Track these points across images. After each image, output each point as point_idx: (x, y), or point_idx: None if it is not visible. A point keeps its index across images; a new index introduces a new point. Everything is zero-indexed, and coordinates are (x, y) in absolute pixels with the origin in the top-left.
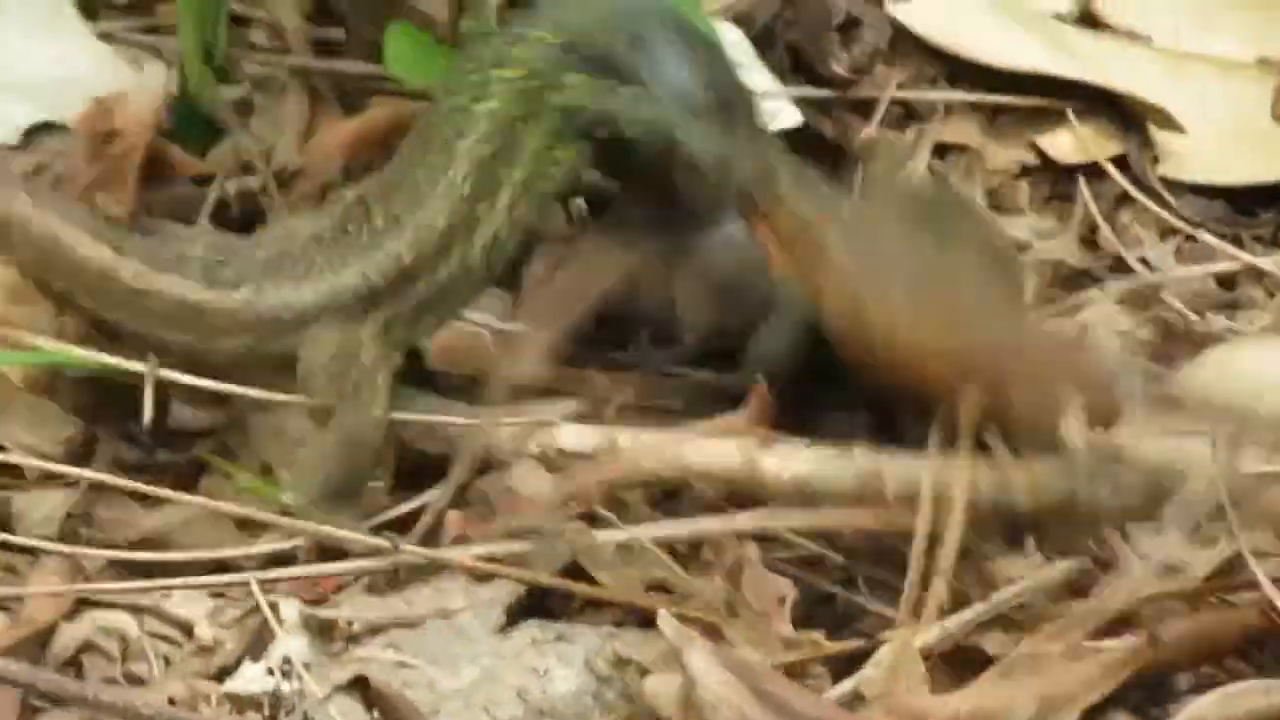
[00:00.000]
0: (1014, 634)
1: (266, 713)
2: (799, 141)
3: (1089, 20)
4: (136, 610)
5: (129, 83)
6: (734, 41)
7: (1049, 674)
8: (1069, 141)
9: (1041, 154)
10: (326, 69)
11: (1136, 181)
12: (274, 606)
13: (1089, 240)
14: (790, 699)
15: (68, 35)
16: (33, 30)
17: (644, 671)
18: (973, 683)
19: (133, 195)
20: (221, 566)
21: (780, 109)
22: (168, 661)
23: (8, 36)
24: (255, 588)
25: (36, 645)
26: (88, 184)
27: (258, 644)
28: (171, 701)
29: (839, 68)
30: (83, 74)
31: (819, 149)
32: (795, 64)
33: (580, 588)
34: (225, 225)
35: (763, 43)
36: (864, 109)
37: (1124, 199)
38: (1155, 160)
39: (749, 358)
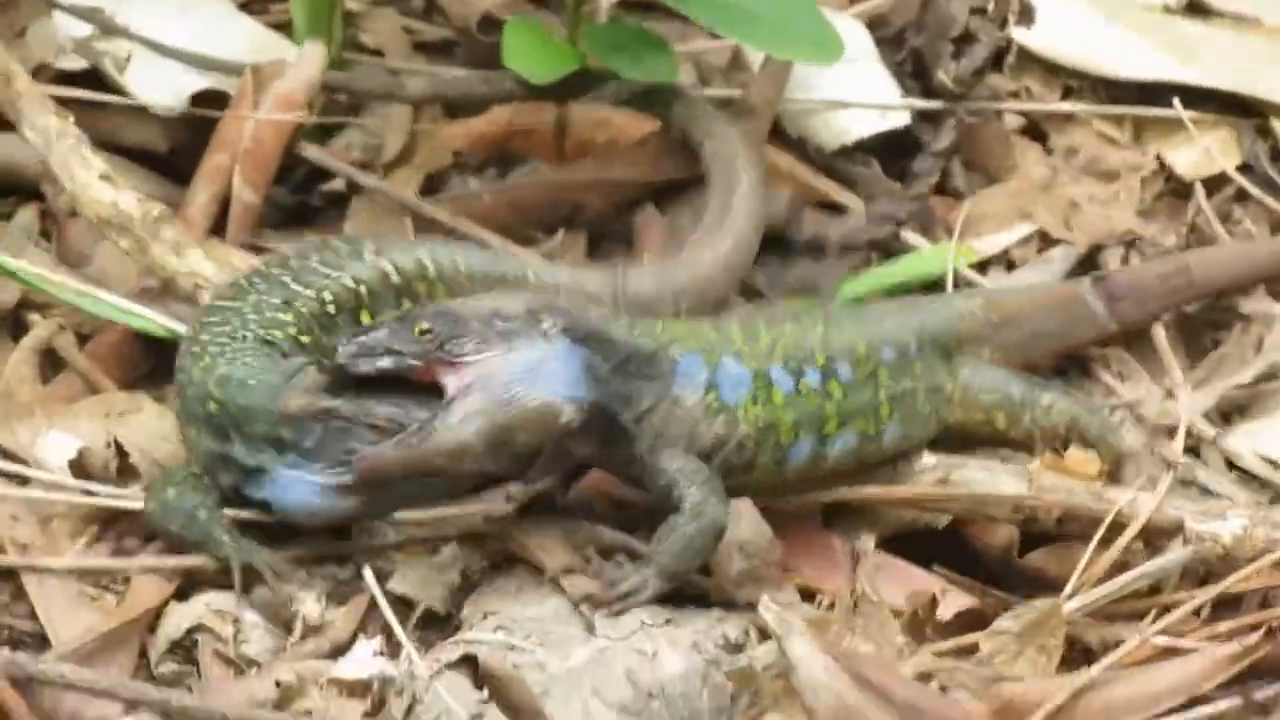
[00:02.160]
0: (1128, 622)
1: (375, 694)
2: (900, 144)
3: (1198, 9)
4: (246, 591)
5: (288, 58)
6: (858, 40)
7: (1164, 662)
8: (1190, 151)
9: (1160, 160)
10: (431, 72)
11: (1254, 176)
12: (385, 589)
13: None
14: (891, 686)
15: (220, 9)
16: (189, 4)
17: (749, 656)
18: (1083, 669)
19: (269, 180)
20: (332, 550)
21: (889, 112)
22: (278, 644)
23: (168, 10)
24: (367, 570)
25: (144, 627)
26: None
27: (367, 626)
28: (278, 684)
29: (946, 78)
30: (244, 47)
31: (916, 151)
32: (917, 70)
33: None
34: (328, 224)
35: (892, 45)
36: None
37: (1241, 195)
38: (1275, 154)
39: (652, 550)
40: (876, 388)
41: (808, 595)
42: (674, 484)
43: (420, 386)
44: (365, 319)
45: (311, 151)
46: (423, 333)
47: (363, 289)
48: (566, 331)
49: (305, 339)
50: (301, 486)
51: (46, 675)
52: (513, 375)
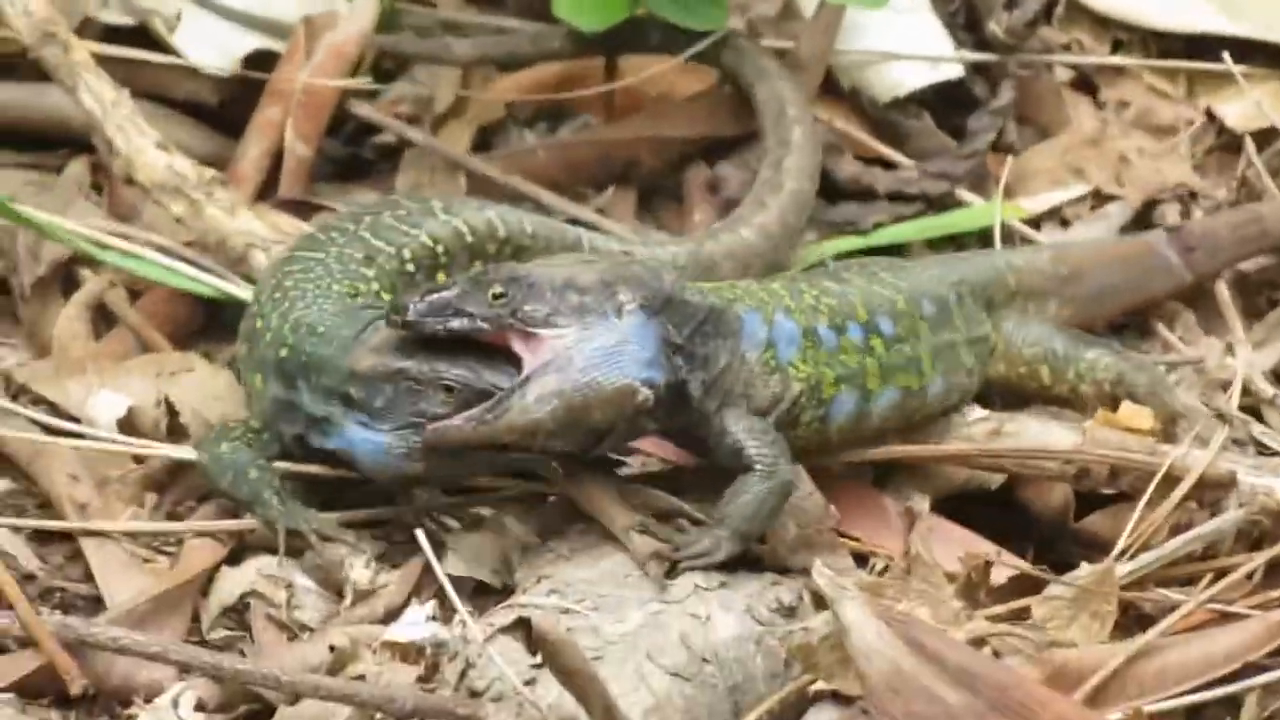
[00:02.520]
0: (1182, 587)
1: (428, 659)
2: (954, 96)
3: None
4: (293, 555)
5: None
6: None
7: (1217, 627)
8: (1239, 105)
9: (1210, 114)
10: (481, 24)
11: None
12: (438, 552)
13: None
14: (945, 651)
15: None
16: None
17: (804, 623)
18: (1136, 636)
19: (321, 133)
20: (383, 513)
21: (942, 62)
22: (330, 608)
23: None
24: (420, 534)
25: (196, 591)
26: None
27: (421, 590)
28: (331, 649)
29: (998, 29)
30: (294, 7)
31: (968, 104)
32: (969, 22)
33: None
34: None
35: None
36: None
37: None
38: None
39: (722, 511)
40: (918, 341)
41: (861, 559)
42: (742, 444)
43: (489, 347)
44: (441, 279)
45: (363, 108)
46: (496, 297)
47: (440, 247)
48: (643, 304)
49: (386, 295)
50: (368, 444)
51: (98, 639)
52: (590, 359)
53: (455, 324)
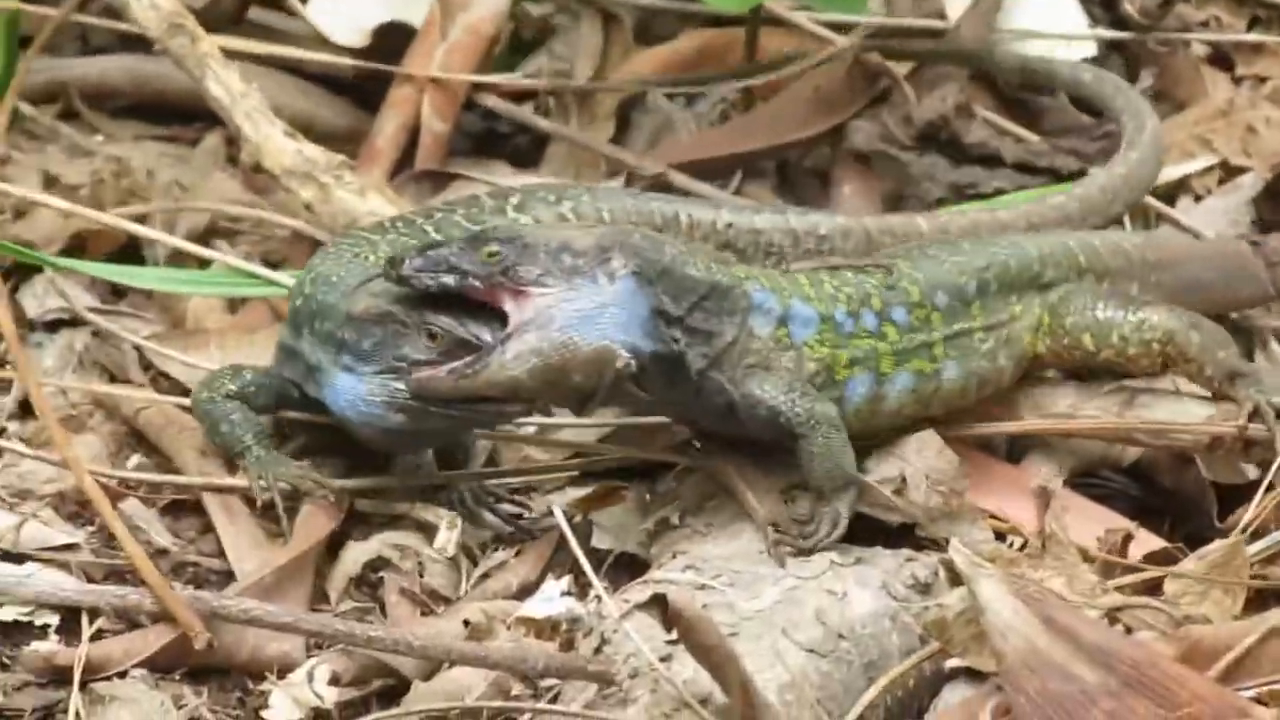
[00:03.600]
0: None
1: (563, 635)
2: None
3: None
4: (425, 529)
5: None
6: None
7: None
8: None
9: None
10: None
11: None
12: (575, 525)
13: None
14: (1079, 628)
15: None
16: None
17: (940, 602)
18: (1269, 612)
19: (458, 108)
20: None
21: (1076, 40)
22: (460, 581)
23: None
24: (557, 509)
25: (314, 561)
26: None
27: (555, 565)
28: (465, 624)
29: (1132, 8)
30: None
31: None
32: (1105, 0)
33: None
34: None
35: None
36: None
37: None
38: None
39: (811, 482)
40: (931, 330)
41: (997, 535)
42: (775, 408)
43: (483, 304)
44: None
45: (491, 99)
46: (490, 255)
47: None
48: (637, 271)
49: None
50: (351, 392)
51: (229, 611)
52: (570, 318)
53: (448, 279)
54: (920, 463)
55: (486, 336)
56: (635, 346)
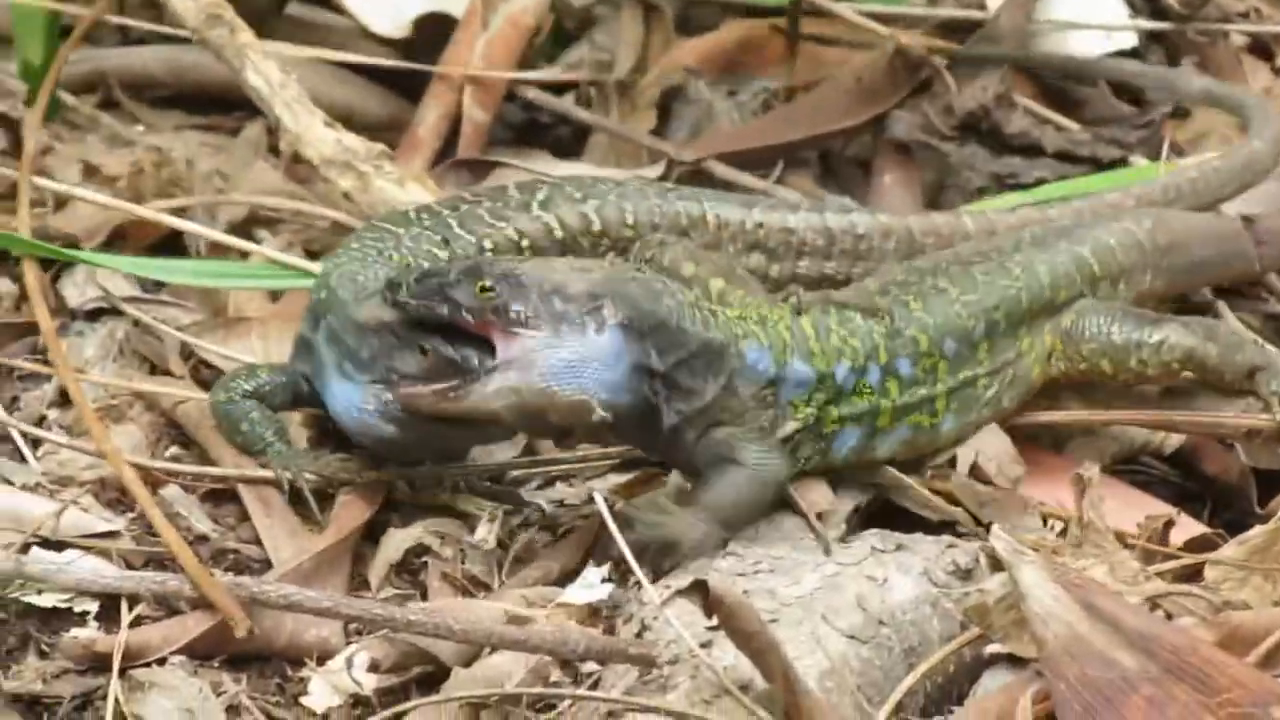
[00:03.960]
0: None
1: (604, 621)
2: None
3: None
4: (465, 518)
5: None
6: None
7: None
8: None
9: None
10: None
11: None
12: (615, 513)
13: None
14: (1121, 614)
15: None
16: None
17: (980, 588)
18: None
19: (499, 98)
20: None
21: (1117, 31)
22: (501, 568)
23: None
24: (598, 495)
25: (352, 548)
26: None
27: (596, 552)
28: (505, 612)
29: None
30: None
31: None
32: None
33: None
34: (560, 144)
35: None
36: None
37: None
38: None
39: (701, 501)
40: (935, 383)
41: (1040, 520)
42: (729, 446)
43: None
44: None
45: (532, 92)
46: (483, 290)
47: (525, 241)
48: (627, 323)
49: None
50: (347, 398)
51: (269, 596)
52: (551, 366)
53: (441, 309)
54: (979, 450)
55: (475, 362)
56: (612, 400)
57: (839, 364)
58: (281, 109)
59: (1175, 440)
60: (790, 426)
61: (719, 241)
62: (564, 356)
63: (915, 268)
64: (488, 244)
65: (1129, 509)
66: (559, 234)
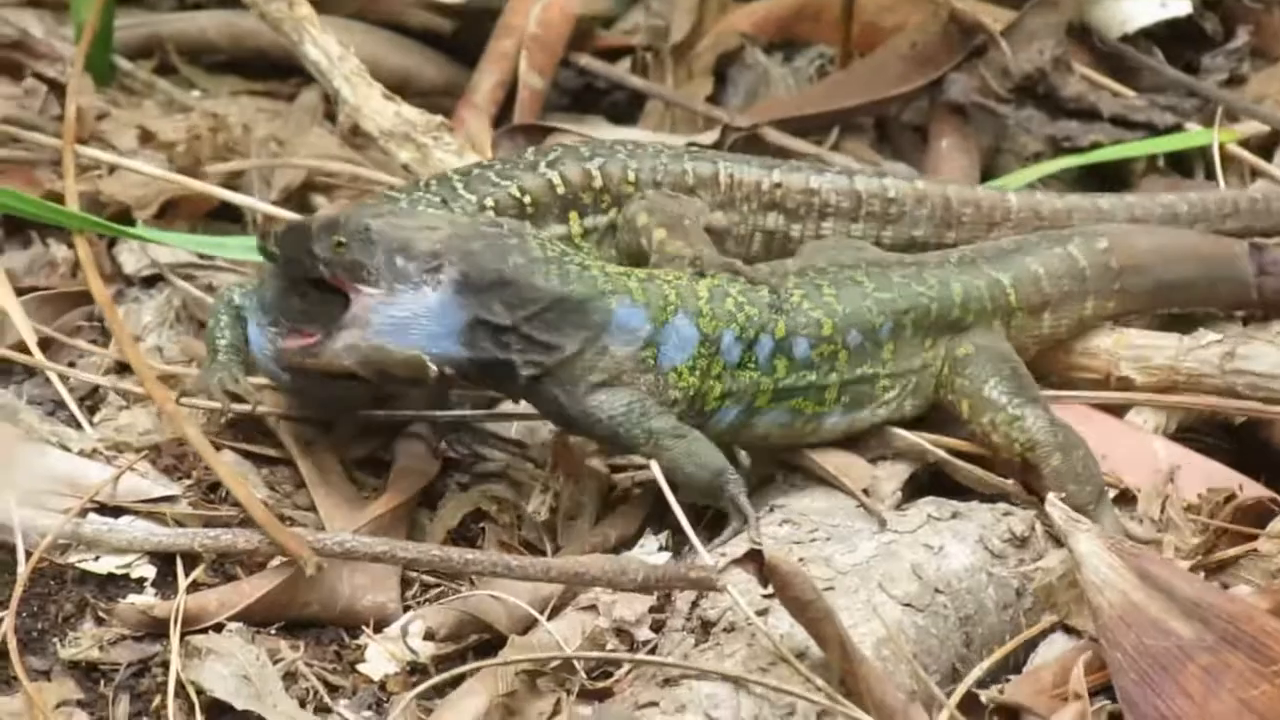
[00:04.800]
0: None
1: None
2: (1185, 32)
3: None
4: (520, 487)
5: None
6: None
7: None
8: None
9: None
10: None
11: None
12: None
13: None
14: (1176, 583)
15: None
16: None
17: (1034, 551)
18: None
19: (555, 64)
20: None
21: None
22: (556, 535)
23: None
24: (654, 464)
25: (409, 515)
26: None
27: (653, 520)
28: None
29: None
30: None
31: (1198, 40)
32: None
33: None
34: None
35: None
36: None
37: None
38: None
39: (685, 495)
40: (830, 372)
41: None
42: (612, 427)
43: None
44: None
45: (585, 59)
46: (337, 246)
47: (527, 199)
48: (460, 279)
49: None
50: (255, 340)
51: (325, 545)
52: (383, 323)
53: (305, 261)
54: None
55: (336, 315)
56: (445, 355)
57: (726, 331)
58: (340, 82)
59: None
60: (672, 395)
61: (732, 200)
62: (394, 314)
63: (838, 261)
64: (489, 202)
65: (1190, 476)
66: (560, 189)
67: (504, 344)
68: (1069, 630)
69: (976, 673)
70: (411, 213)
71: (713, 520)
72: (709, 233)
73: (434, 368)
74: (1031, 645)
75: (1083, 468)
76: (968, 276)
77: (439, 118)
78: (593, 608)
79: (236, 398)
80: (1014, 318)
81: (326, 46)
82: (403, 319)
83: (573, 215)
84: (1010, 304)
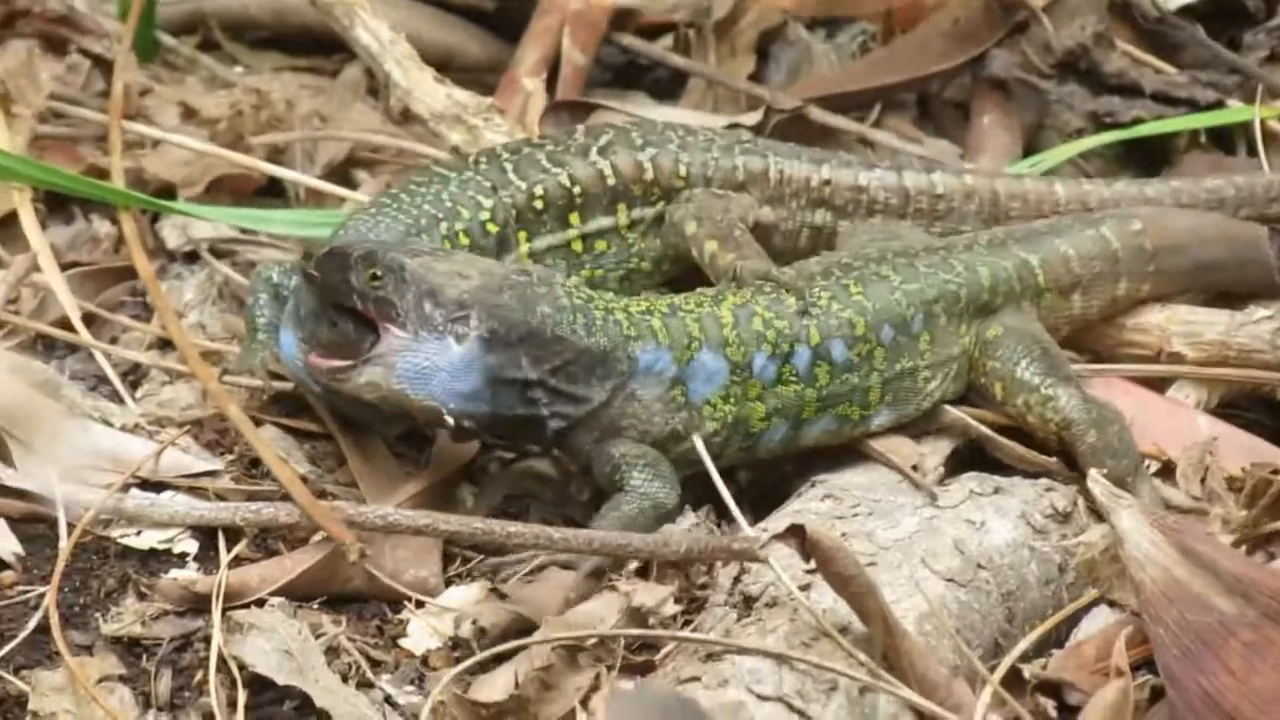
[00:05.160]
0: None
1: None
2: (1228, 8)
3: None
4: (561, 465)
5: None
6: None
7: None
8: None
9: None
10: None
11: None
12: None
13: None
14: (1218, 559)
15: None
16: None
17: (1076, 526)
18: None
19: (598, 41)
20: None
21: None
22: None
23: None
24: (697, 438)
25: (452, 491)
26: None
27: (692, 497)
28: None
29: None
30: None
31: (1241, 16)
32: None
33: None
34: (658, 87)
35: None
36: None
37: None
38: None
39: (598, 524)
40: (870, 371)
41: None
42: (617, 468)
43: None
44: (574, 219)
45: (627, 38)
46: (372, 279)
47: (576, 189)
48: (486, 335)
49: (493, 228)
50: (286, 344)
51: (367, 519)
52: (406, 370)
53: (342, 288)
54: None
55: (365, 347)
56: (466, 410)
57: (756, 353)
58: (392, 65)
59: None
60: (709, 427)
61: (781, 196)
62: (416, 362)
63: (862, 255)
64: (538, 190)
65: (1233, 450)
66: (611, 180)
67: (531, 399)
68: (1112, 604)
69: (1023, 645)
70: (448, 255)
71: (757, 498)
72: (757, 227)
73: (450, 419)
74: (1074, 620)
75: (1119, 442)
76: (995, 259)
77: (489, 100)
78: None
79: (278, 376)
80: (1043, 298)
81: (378, 31)
82: (424, 368)
83: (621, 207)
84: (1039, 284)
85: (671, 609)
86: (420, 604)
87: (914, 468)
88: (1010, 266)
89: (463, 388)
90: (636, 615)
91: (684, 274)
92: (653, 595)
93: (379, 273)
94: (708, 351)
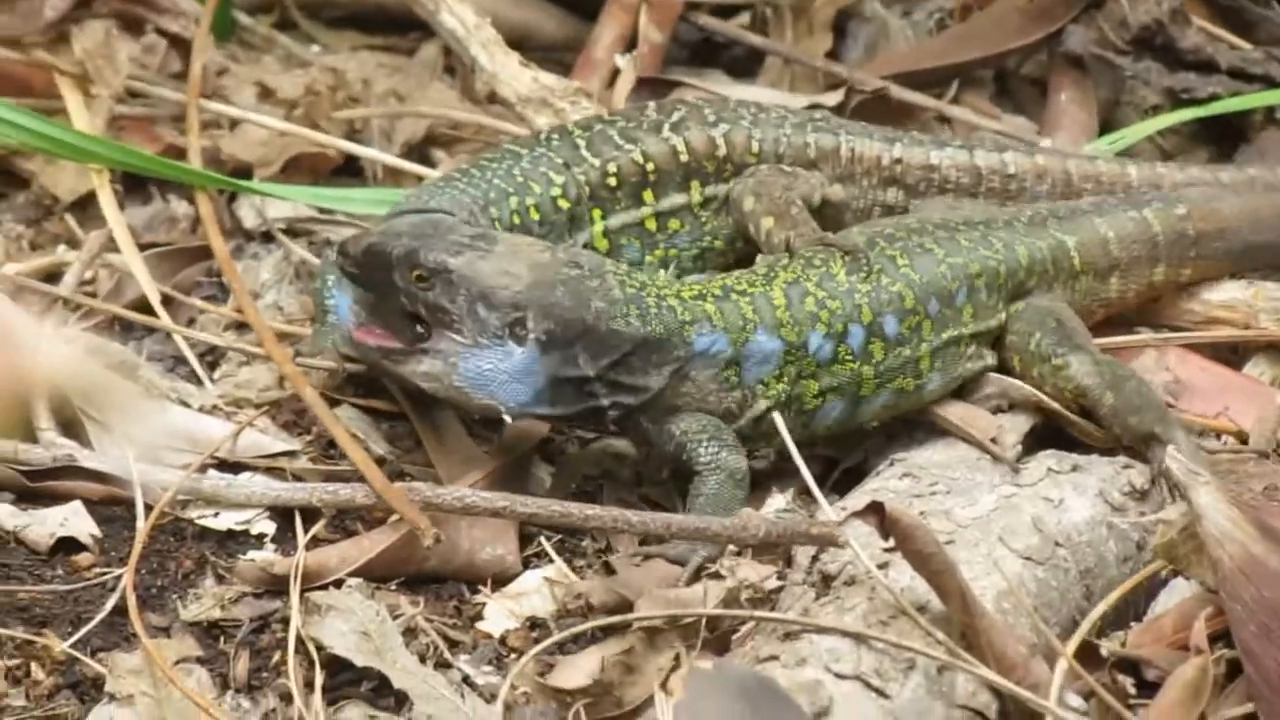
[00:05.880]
0: None
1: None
2: None
3: None
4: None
5: None
6: None
7: None
8: None
9: None
10: None
11: None
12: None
13: None
14: None
15: None
16: None
17: (1154, 504)
18: None
19: (675, 18)
20: None
21: None
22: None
23: None
24: (777, 416)
25: (525, 471)
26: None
27: (777, 479)
28: None
29: None
30: None
31: None
32: None
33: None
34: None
35: None
36: None
37: None
38: None
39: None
40: (920, 342)
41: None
42: (682, 446)
43: None
44: (648, 196)
45: (703, 18)
46: (418, 279)
47: (650, 165)
48: (544, 337)
49: (565, 204)
50: (342, 310)
51: (444, 500)
52: (466, 371)
53: (383, 284)
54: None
55: (418, 332)
56: (528, 409)
57: (811, 333)
58: (478, 49)
59: None
60: (761, 406)
61: (852, 175)
62: (478, 365)
63: (904, 224)
64: (612, 166)
65: None
66: (684, 157)
67: (589, 393)
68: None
69: (1096, 613)
70: (489, 247)
71: (840, 480)
72: (828, 205)
73: (508, 418)
74: (1151, 595)
75: (1138, 397)
76: (1033, 239)
77: (575, 82)
78: (717, 574)
79: (351, 359)
80: (1079, 281)
81: (463, 15)
82: (485, 371)
83: (694, 184)
84: (1075, 267)
85: (774, 584)
86: (498, 584)
87: (993, 440)
88: (1046, 248)
89: (524, 389)
90: (730, 595)
91: (756, 253)
92: (757, 573)
93: (424, 274)
94: (762, 332)
